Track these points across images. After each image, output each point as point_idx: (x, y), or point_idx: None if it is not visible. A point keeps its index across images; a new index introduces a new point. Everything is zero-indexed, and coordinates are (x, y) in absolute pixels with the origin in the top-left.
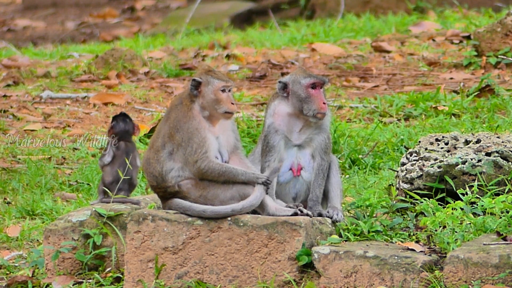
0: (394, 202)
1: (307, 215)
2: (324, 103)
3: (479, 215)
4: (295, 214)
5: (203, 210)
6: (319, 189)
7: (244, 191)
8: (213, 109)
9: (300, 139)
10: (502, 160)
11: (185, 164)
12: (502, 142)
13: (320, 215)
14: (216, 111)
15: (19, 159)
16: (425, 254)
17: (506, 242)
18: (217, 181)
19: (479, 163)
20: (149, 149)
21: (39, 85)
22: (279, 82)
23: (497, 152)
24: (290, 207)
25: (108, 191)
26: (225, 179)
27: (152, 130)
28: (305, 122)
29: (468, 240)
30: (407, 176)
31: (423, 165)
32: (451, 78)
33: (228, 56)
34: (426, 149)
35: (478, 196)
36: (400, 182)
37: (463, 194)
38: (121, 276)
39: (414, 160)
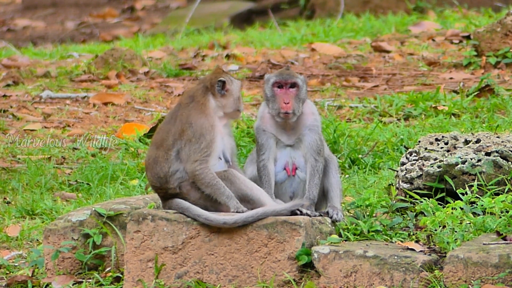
0: (394, 201)
1: (306, 214)
2: (287, 103)
3: (479, 214)
4: (294, 213)
5: (198, 214)
6: (315, 189)
7: (243, 192)
8: (230, 107)
9: (290, 139)
10: (502, 159)
11: (186, 162)
12: (502, 142)
13: (307, 215)
14: (233, 110)
15: (19, 159)
16: (425, 253)
17: (506, 241)
18: (202, 191)
19: (479, 163)
20: (157, 149)
21: (39, 85)
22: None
23: (496, 151)
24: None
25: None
26: (210, 192)
27: (151, 130)
28: (288, 122)
29: (468, 240)
30: (406, 175)
31: (423, 164)
32: (451, 78)
33: (228, 56)
34: (425, 148)
35: (478, 195)
36: (400, 182)
37: (462, 194)
38: (121, 275)
39: (414, 160)
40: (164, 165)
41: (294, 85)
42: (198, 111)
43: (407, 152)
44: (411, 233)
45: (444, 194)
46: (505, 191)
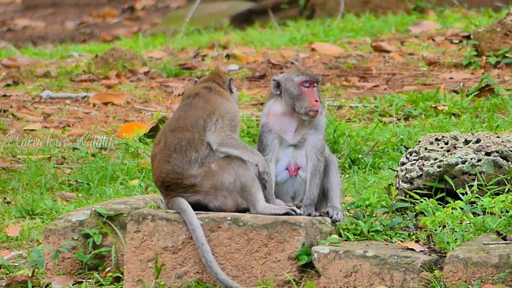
0: (394, 201)
1: (301, 215)
2: (316, 100)
3: (479, 214)
4: (287, 213)
5: (189, 221)
6: (316, 189)
7: (245, 180)
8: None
9: (295, 139)
10: (501, 159)
11: (217, 132)
12: (502, 141)
13: (309, 215)
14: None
15: (19, 159)
16: (425, 253)
17: (506, 241)
18: (230, 154)
19: (479, 163)
20: (188, 131)
21: (39, 85)
22: (273, 80)
23: (496, 151)
24: (289, 207)
25: None
26: (239, 154)
27: (152, 130)
28: (299, 121)
29: (468, 240)
30: (407, 175)
31: (423, 164)
32: (451, 78)
33: (228, 56)
34: (426, 148)
35: (478, 195)
36: (400, 182)
37: (462, 194)
38: (121, 275)
39: (414, 160)
40: (200, 147)
41: (317, 83)
42: (223, 98)
43: (407, 152)
44: (411, 233)
45: (444, 194)
46: (505, 191)
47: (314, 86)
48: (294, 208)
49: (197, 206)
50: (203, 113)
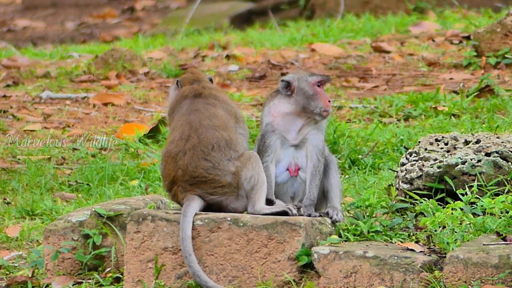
0: (394, 202)
1: (296, 215)
2: (329, 101)
3: (478, 215)
4: (285, 213)
5: (183, 228)
6: (316, 189)
7: (255, 177)
8: None
9: (297, 139)
10: (501, 160)
11: (243, 136)
12: (502, 142)
13: (309, 216)
14: None
15: (19, 159)
16: (425, 254)
17: (506, 242)
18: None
19: (479, 163)
20: (223, 130)
21: (39, 85)
22: (282, 81)
23: (496, 152)
24: (289, 208)
25: None
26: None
27: (152, 131)
28: (305, 121)
29: (467, 240)
30: (406, 176)
31: (423, 165)
32: (451, 79)
33: (228, 57)
34: (425, 149)
35: (477, 196)
36: (400, 182)
37: (462, 195)
38: (120, 276)
39: (413, 160)
40: (239, 148)
41: (325, 84)
42: (230, 99)
43: (407, 152)
44: (411, 234)
45: (444, 194)
46: (505, 191)
47: (324, 87)
48: (291, 207)
49: (211, 208)
50: (230, 115)
